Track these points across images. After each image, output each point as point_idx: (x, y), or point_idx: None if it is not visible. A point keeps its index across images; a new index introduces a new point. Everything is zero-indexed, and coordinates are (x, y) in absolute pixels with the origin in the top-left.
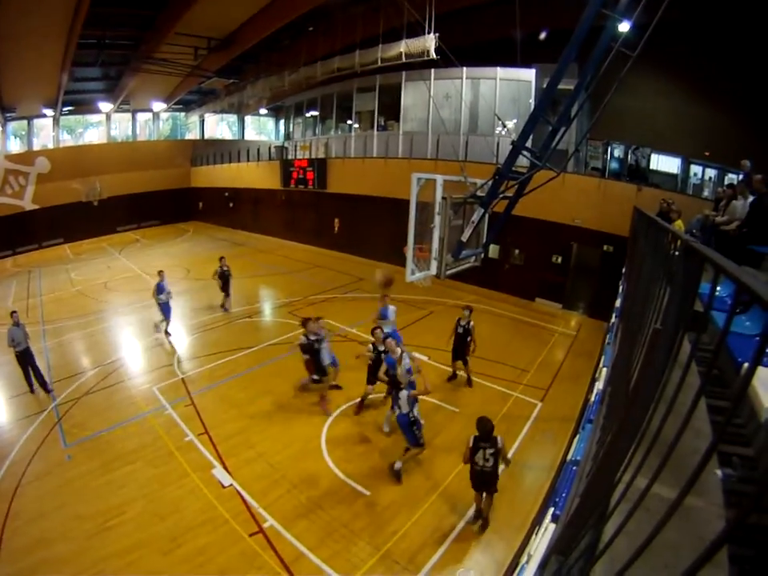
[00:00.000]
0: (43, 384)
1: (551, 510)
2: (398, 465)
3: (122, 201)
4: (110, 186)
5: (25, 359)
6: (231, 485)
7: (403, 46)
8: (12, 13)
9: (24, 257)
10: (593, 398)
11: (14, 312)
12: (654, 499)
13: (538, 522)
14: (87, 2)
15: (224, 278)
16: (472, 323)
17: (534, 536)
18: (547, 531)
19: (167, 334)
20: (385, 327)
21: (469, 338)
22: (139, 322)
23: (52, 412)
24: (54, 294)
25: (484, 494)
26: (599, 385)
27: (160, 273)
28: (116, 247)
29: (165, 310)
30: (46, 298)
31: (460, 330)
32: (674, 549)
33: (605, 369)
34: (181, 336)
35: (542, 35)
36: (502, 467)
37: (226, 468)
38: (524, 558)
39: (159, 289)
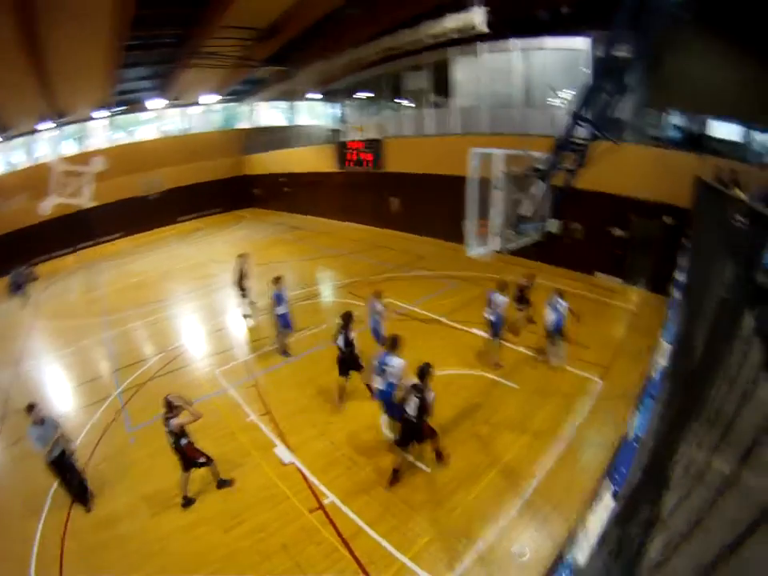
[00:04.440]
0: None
1: (611, 486)
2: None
3: (180, 192)
4: (168, 178)
5: (62, 467)
6: (292, 462)
7: (451, 21)
8: (58, 33)
9: (85, 252)
10: (654, 374)
11: (32, 406)
12: (715, 475)
13: (596, 498)
14: (130, 10)
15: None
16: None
17: (591, 512)
18: (606, 507)
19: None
20: None
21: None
22: (200, 309)
23: (116, 398)
24: (115, 286)
25: None
26: (661, 361)
27: None
28: (177, 237)
29: None
30: (107, 291)
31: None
32: (732, 526)
33: (666, 344)
34: (241, 320)
35: None
36: None
37: (287, 446)
38: (581, 534)
39: None
